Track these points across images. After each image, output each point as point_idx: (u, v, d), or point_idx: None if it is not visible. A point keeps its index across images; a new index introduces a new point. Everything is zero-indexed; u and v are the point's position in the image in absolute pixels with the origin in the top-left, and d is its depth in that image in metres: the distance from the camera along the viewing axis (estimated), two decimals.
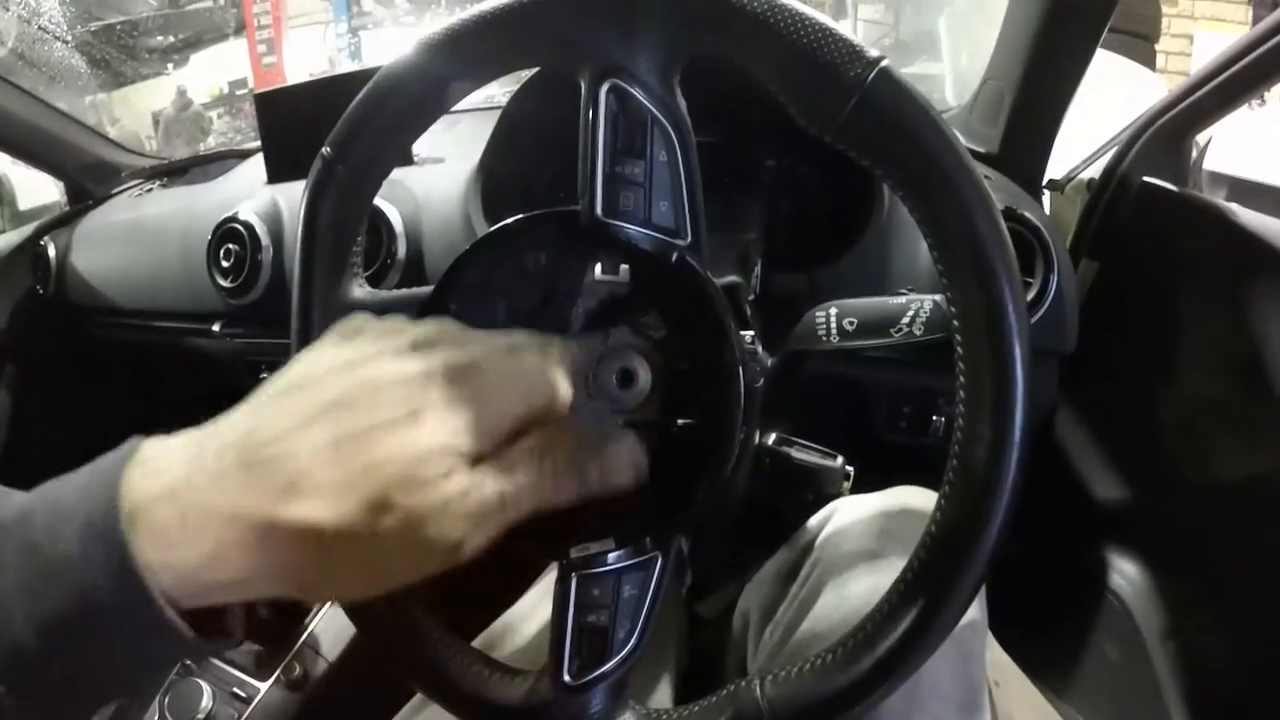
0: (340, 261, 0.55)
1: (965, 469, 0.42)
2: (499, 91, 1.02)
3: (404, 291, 0.55)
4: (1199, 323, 0.91)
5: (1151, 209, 0.95)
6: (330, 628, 0.91)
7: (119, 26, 6.26)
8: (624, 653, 0.48)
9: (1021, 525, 1.13)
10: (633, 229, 0.47)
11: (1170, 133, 0.95)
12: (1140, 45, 4.00)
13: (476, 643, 0.73)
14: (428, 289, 0.52)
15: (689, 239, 0.48)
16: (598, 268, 0.49)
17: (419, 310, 0.52)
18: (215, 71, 7.90)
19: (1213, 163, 1.02)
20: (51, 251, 1.61)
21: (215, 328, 1.26)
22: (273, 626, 0.92)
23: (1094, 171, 1.05)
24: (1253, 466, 0.84)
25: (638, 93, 0.46)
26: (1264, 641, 0.81)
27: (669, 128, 0.47)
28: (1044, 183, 1.09)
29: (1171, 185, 0.95)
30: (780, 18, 0.43)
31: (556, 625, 0.48)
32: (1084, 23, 0.88)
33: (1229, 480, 0.87)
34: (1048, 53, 0.92)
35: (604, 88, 0.46)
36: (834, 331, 0.61)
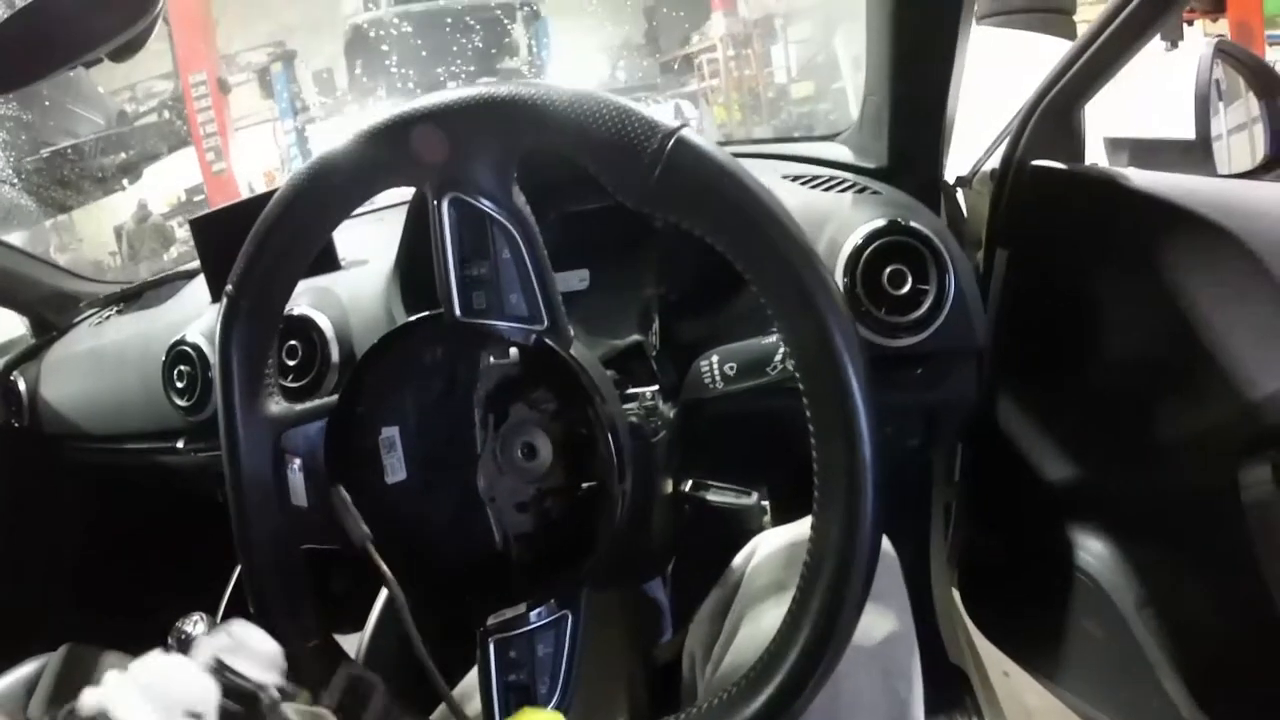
0: (255, 383, 0.59)
1: (826, 498, 0.46)
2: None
3: (315, 404, 0.59)
4: (1114, 293, 0.91)
5: (1045, 191, 0.96)
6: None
7: (68, 151, 6.32)
8: (549, 707, 0.52)
9: (987, 518, 1.14)
10: (491, 323, 0.52)
11: (1058, 109, 0.95)
12: (1060, 20, 4.05)
13: (435, 716, 0.76)
14: (333, 400, 0.56)
15: (545, 322, 0.52)
16: (490, 354, 0.54)
17: (331, 418, 0.56)
18: (171, 181, 7.98)
19: (1113, 128, 1.03)
20: (21, 385, 1.64)
21: (179, 444, 1.29)
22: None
23: (997, 161, 1.04)
24: (1190, 422, 0.84)
25: (476, 201, 0.51)
26: (1234, 591, 0.81)
27: (509, 226, 0.52)
28: (955, 180, 1.10)
29: (1060, 164, 0.95)
30: (581, 109, 0.48)
31: (483, 687, 0.52)
32: (938, 21, 0.89)
33: (1172, 442, 0.86)
34: (909, 58, 0.94)
35: (445, 201, 0.51)
36: (718, 378, 0.66)
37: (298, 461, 0.59)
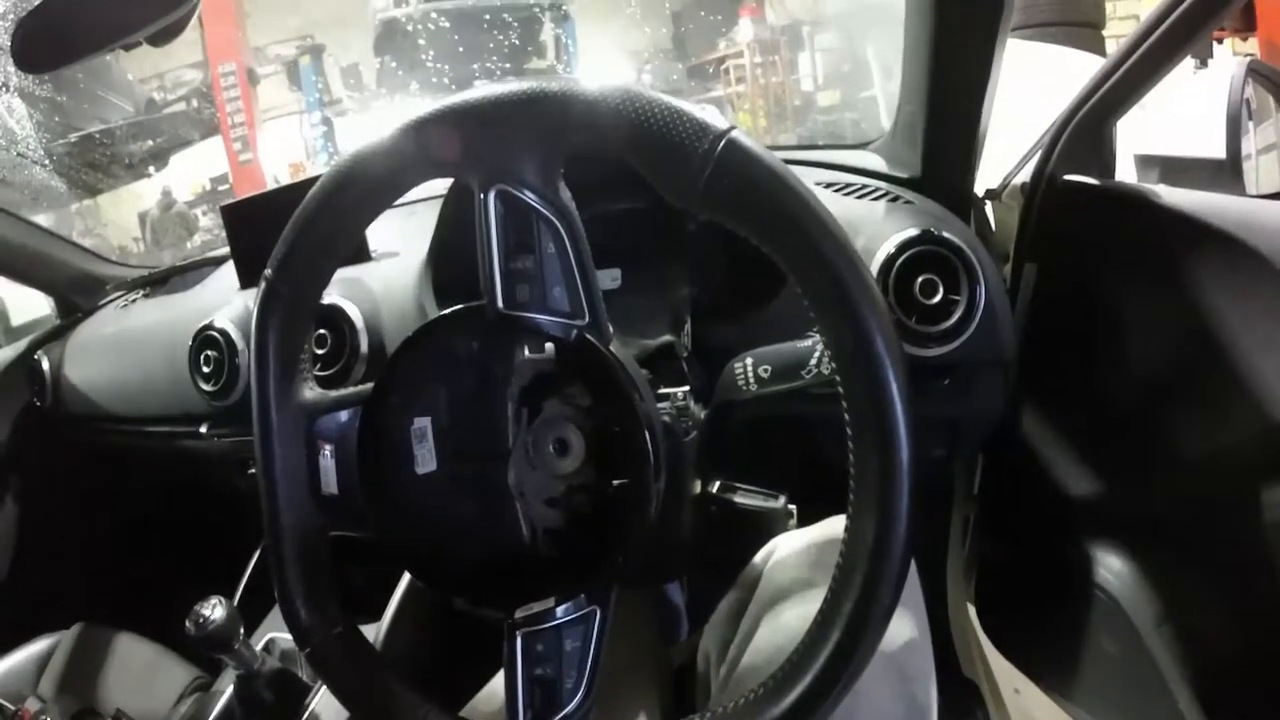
0: (290, 369, 0.59)
1: (860, 500, 0.46)
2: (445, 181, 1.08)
3: (349, 391, 0.59)
4: (1141, 309, 0.91)
5: (1075, 206, 0.96)
6: (330, 706, 0.94)
7: (98, 135, 6.38)
8: (574, 702, 0.52)
9: (1004, 532, 1.13)
10: (533, 316, 0.52)
11: (1090, 124, 0.95)
12: (1088, 34, 4.03)
13: (467, 709, 0.76)
14: (368, 387, 0.57)
15: (586, 318, 0.53)
16: (525, 348, 0.54)
17: (365, 407, 0.56)
18: (197, 169, 8.05)
19: (1144, 146, 1.03)
20: (46, 365, 1.65)
21: (203, 429, 1.31)
22: (275, 708, 0.95)
23: (1028, 174, 1.04)
24: (1214, 444, 0.84)
25: (523, 194, 0.52)
26: (1253, 612, 0.81)
27: (555, 221, 0.52)
28: (984, 192, 1.09)
29: (1092, 179, 0.95)
30: (633, 108, 0.48)
31: (508, 680, 0.53)
32: (975, 34, 0.89)
33: (1194, 459, 0.86)
34: (946, 69, 0.93)
35: (491, 194, 0.52)
36: (751, 381, 0.66)
37: (329, 448, 0.59)
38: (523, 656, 0.53)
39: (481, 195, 0.53)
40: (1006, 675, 1.22)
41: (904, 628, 0.67)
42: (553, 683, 0.52)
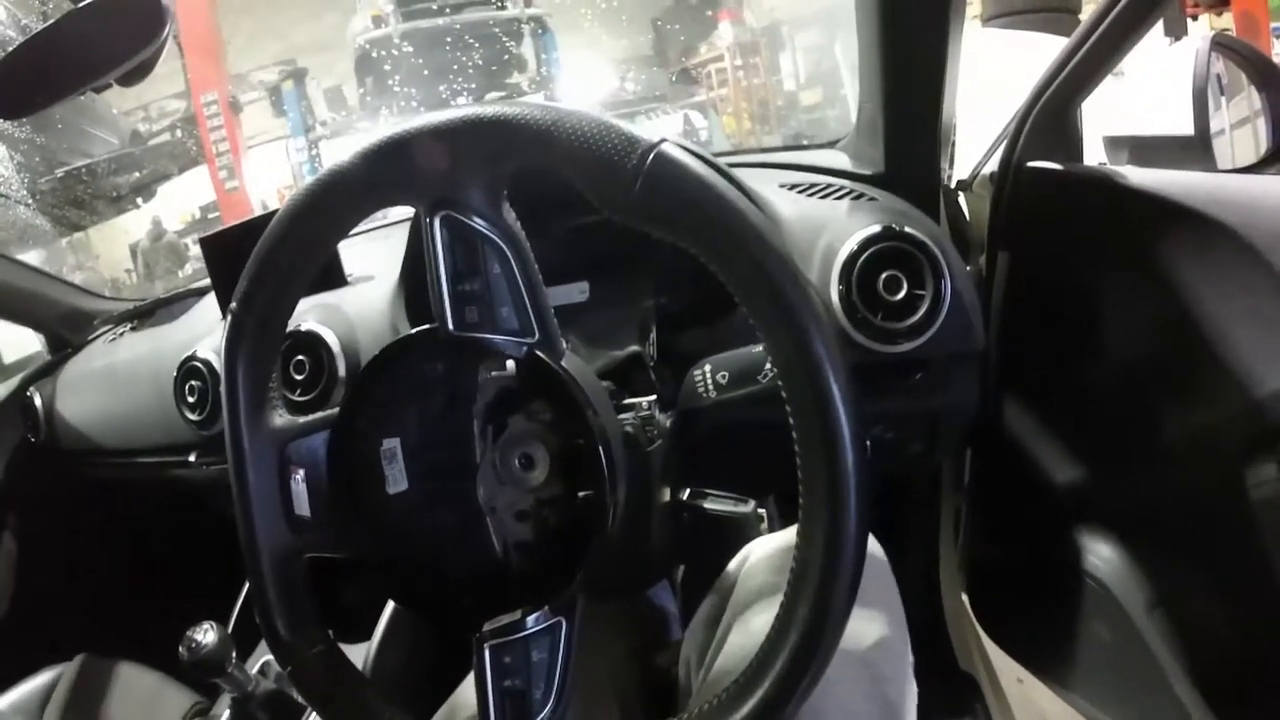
0: (259, 397, 0.60)
1: (810, 507, 0.47)
2: None
3: (317, 415, 0.60)
4: (1115, 292, 0.91)
5: (1042, 192, 0.96)
6: None
7: (82, 171, 6.41)
8: (544, 712, 0.53)
9: (995, 524, 1.13)
10: (484, 336, 0.53)
11: (1054, 109, 0.95)
12: (1066, 20, 4.03)
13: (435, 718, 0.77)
14: (334, 412, 0.58)
15: (536, 335, 0.54)
16: (489, 366, 0.55)
17: (334, 429, 0.57)
18: (186, 199, 8.07)
19: (1112, 127, 1.03)
20: (38, 401, 1.67)
21: (191, 458, 1.32)
22: None
23: (997, 163, 1.03)
24: (1195, 425, 0.84)
25: (467, 218, 0.53)
26: (1244, 591, 0.81)
27: (500, 243, 0.53)
28: (955, 183, 1.10)
29: (1058, 164, 0.94)
30: (565, 127, 0.50)
31: (479, 692, 0.54)
32: (927, 25, 0.89)
33: (1177, 441, 0.86)
34: (899, 65, 0.94)
35: (437, 219, 0.53)
36: (710, 387, 0.67)
37: (301, 472, 0.60)
38: (491, 669, 0.54)
39: (428, 220, 0.54)
40: (1009, 666, 1.22)
41: (875, 626, 0.68)
42: (522, 694, 0.53)
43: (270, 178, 7.81)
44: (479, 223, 0.53)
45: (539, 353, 0.54)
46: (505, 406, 0.56)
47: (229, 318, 0.60)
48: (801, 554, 0.47)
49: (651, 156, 0.48)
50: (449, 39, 7.46)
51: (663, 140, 0.48)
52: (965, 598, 1.29)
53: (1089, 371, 0.96)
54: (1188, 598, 0.87)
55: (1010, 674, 1.27)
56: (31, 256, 1.76)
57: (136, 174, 7.11)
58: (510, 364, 0.55)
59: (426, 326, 0.56)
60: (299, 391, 1.04)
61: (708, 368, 0.69)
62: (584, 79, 9.05)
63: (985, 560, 1.24)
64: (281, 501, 0.60)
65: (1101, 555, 0.95)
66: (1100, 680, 1.01)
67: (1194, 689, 0.84)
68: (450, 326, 0.54)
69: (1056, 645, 1.05)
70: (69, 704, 1.25)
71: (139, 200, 7.36)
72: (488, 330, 0.54)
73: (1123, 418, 0.92)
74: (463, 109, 0.52)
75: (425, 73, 7.41)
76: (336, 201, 0.57)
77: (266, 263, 0.59)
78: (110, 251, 8.03)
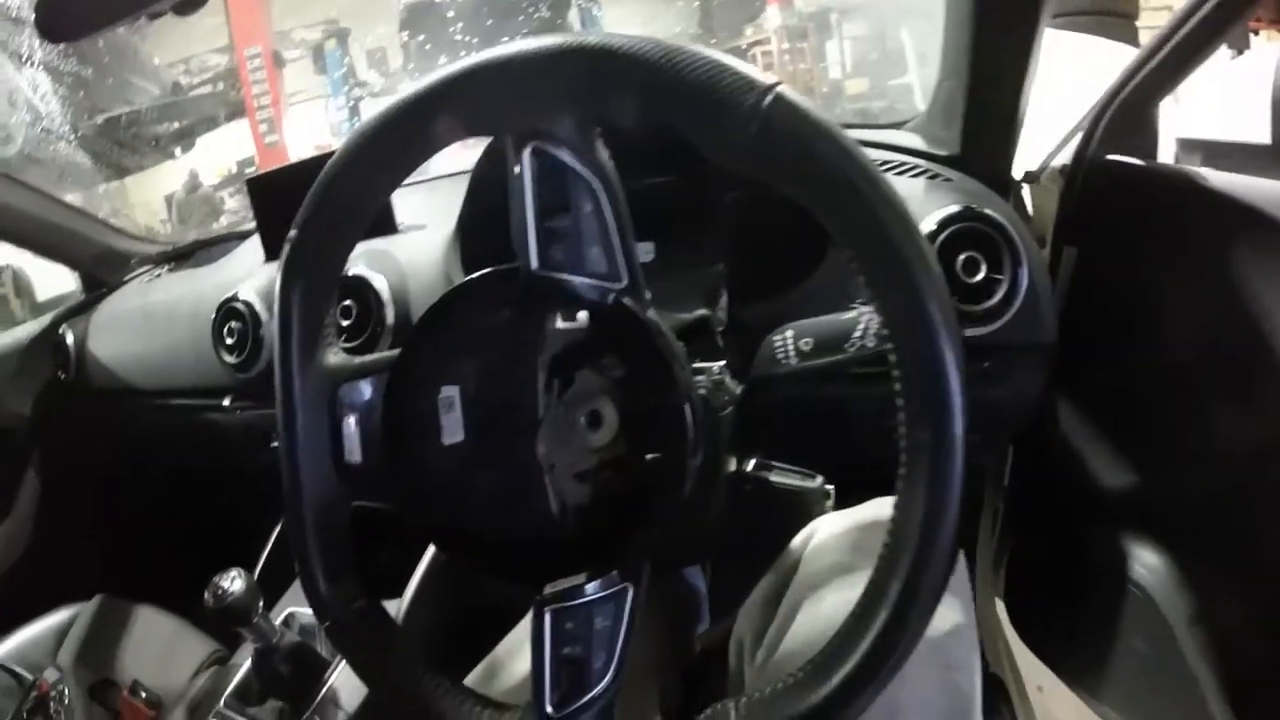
0: (314, 333, 0.58)
1: (911, 478, 0.44)
2: (472, 156, 1.06)
3: (374, 356, 0.58)
4: (1183, 295, 0.89)
5: (1117, 188, 0.94)
6: (349, 682, 0.94)
7: (123, 118, 6.44)
8: (604, 682, 0.50)
9: (1034, 524, 1.11)
10: (568, 278, 0.50)
11: (1133, 105, 0.93)
12: (1121, 24, 3.96)
13: (469, 679, 0.75)
14: (395, 353, 0.55)
15: (624, 281, 0.50)
16: (557, 317, 0.52)
17: (391, 374, 0.55)
18: (223, 153, 8.11)
19: (1186, 129, 1.01)
20: (70, 339, 1.67)
21: (225, 402, 1.32)
22: (293, 683, 0.95)
23: (1067, 157, 1.02)
24: (1256, 436, 0.81)
25: (558, 151, 0.49)
26: None
27: (591, 179, 0.50)
28: (1022, 175, 1.07)
29: (1135, 160, 0.93)
30: (674, 61, 0.46)
31: (535, 659, 0.51)
32: (1016, 8, 0.87)
33: (1235, 454, 0.84)
34: (987, 45, 0.92)
35: (526, 151, 0.50)
36: (792, 354, 0.64)
37: (353, 417, 0.57)
38: (551, 635, 0.51)
39: (515, 153, 0.50)
40: (1030, 672, 1.20)
41: (949, 614, 0.65)
42: (582, 662, 0.51)
43: (309, 136, 7.84)
44: (570, 157, 0.50)
45: (626, 300, 0.51)
46: (573, 360, 0.53)
47: (287, 247, 0.58)
48: (898, 527, 0.45)
49: (770, 98, 0.44)
50: (495, 8, 7.44)
51: (779, 83, 0.45)
52: (999, 599, 1.26)
53: (1149, 373, 0.94)
54: (1233, 615, 0.84)
55: (1031, 681, 1.24)
56: (69, 200, 1.78)
57: (176, 124, 7.14)
58: (582, 315, 0.52)
59: (504, 266, 0.53)
60: (344, 338, 1.03)
61: (790, 333, 0.66)
62: None
63: (1022, 561, 1.22)
64: (331, 446, 0.58)
65: (1147, 563, 0.93)
66: (1132, 692, 0.98)
67: (1229, 709, 0.82)
68: (534, 264, 0.51)
69: (1090, 652, 1.02)
70: (85, 642, 1.26)
71: (177, 150, 7.40)
72: (573, 271, 0.51)
73: (1181, 423, 0.90)
74: (562, 36, 0.49)
75: (465, 35, 7.41)
76: (415, 127, 0.54)
77: (329, 192, 0.56)
78: (145, 202, 8.08)
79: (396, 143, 0.55)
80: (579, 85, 0.49)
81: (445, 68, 0.52)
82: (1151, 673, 0.93)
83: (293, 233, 0.57)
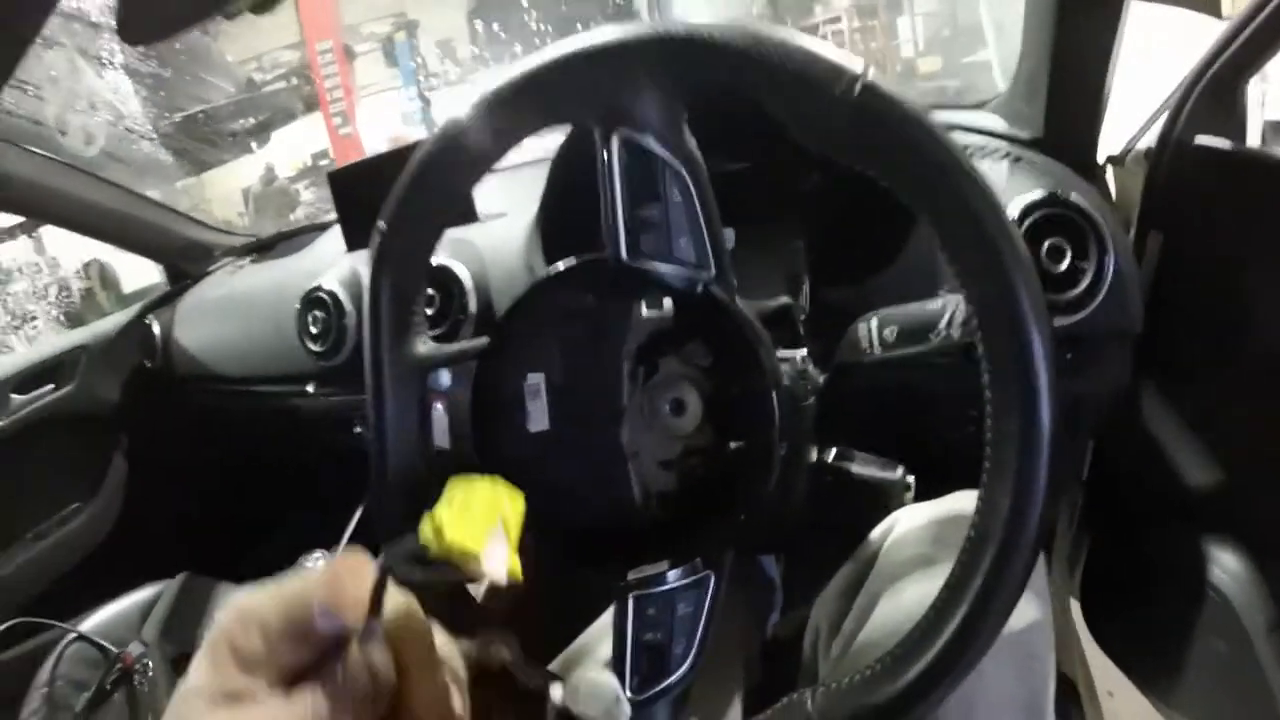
0: (404, 323, 0.59)
1: (996, 469, 0.43)
2: (551, 144, 1.08)
3: (462, 345, 0.59)
4: (1275, 285, 0.86)
5: (1205, 172, 0.91)
6: None
7: (200, 115, 6.64)
8: (683, 669, 0.51)
9: (1113, 521, 1.09)
10: (657, 266, 0.51)
11: (1219, 86, 0.90)
12: None
13: (554, 665, 0.76)
14: (484, 340, 0.56)
15: (713, 270, 0.51)
16: (643, 305, 0.52)
17: (480, 361, 0.56)
18: (297, 147, 8.30)
19: (1275, 110, 0.97)
20: (156, 328, 1.74)
21: (309, 388, 1.36)
22: None
23: (1152, 139, 0.99)
24: None
25: (646, 139, 0.50)
26: None
27: (680, 168, 0.50)
28: (1105, 158, 1.05)
29: (1224, 143, 0.90)
30: (765, 48, 0.46)
31: (617, 644, 0.52)
32: None
33: None
34: (1070, 23, 0.90)
35: (614, 138, 0.50)
36: (876, 343, 0.63)
37: (441, 403, 0.59)
38: (634, 620, 0.52)
39: (603, 142, 0.51)
40: (1100, 677, 1.20)
41: (1028, 607, 0.64)
42: (662, 648, 0.51)
43: (381, 127, 7.99)
44: (658, 145, 0.50)
45: (714, 289, 0.51)
46: (658, 348, 0.54)
47: (375, 237, 0.59)
48: (982, 518, 0.44)
49: (860, 85, 0.44)
50: None
51: (869, 68, 0.45)
52: (1073, 598, 1.25)
53: (1239, 368, 0.92)
54: None
55: (1101, 685, 1.24)
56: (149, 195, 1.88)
57: (251, 119, 7.34)
58: (667, 303, 0.53)
59: (592, 255, 0.54)
60: (427, 325, 1.05)
61: (874, 321, 0.66)
62: None
63: (1099, 559, 1.20)
64: (420, 431, 0.59)
65: (1228, 567, 0.91)
66: (1205, 699, 0.96)
67: None
68: (623, 254, 0.51)
69: (1165, 656, 1.00)
70: (168, 618, 1.29)
71: (253, 145, 7.60)
72: (663, 260, 0.51)
73: (1270, 420, 0.87)
74: (649, 24, 0.49)
75: (538, 25, 7.47)
76: (498, 120, 0.55)
77: (418, 182, 0.57)
78: (222, 196, 8.31)
79: (483, 134, 0.55)
80: (667, 72, 0.49)
81: (530, 57, 0.53)
82: (1226, 680, 0.91)
83: (381, 225, 0.58)
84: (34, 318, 8.08)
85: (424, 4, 8.45)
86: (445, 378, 0.59)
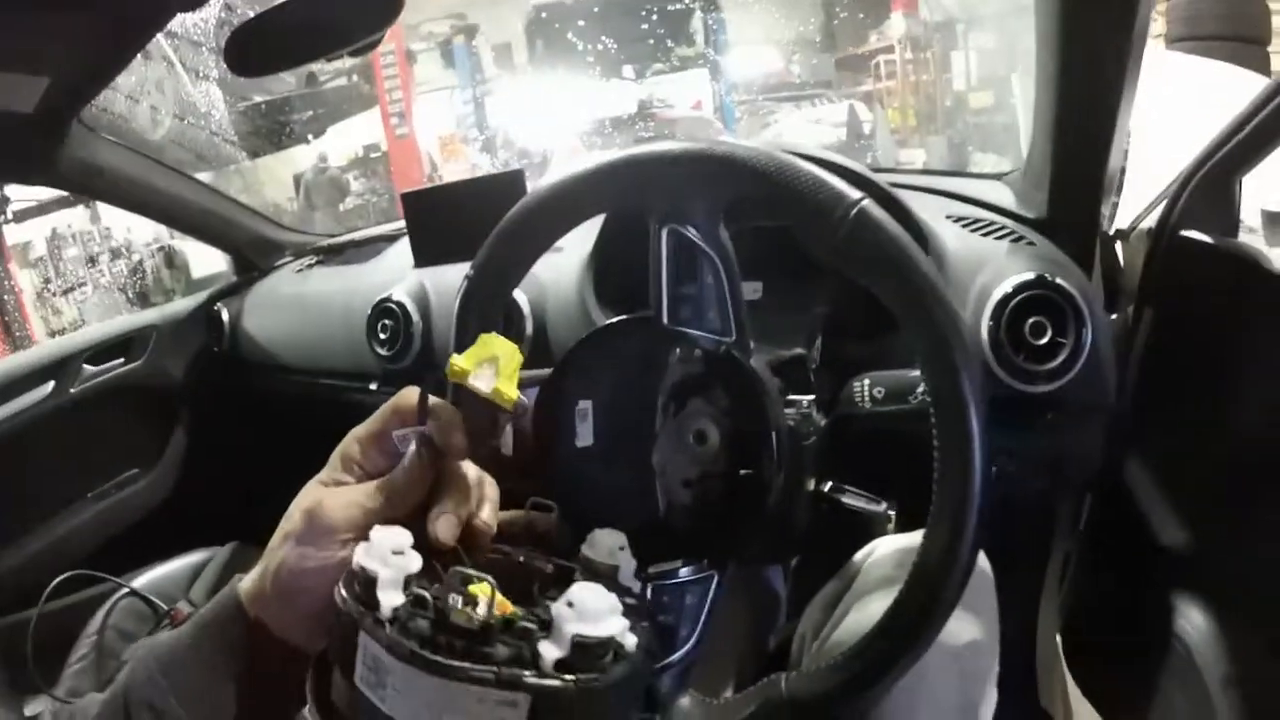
0: None
1: (937, 517, 0.55)
2: None
3: (530, 372, 0.71)
4: (1255, 369, 0.91)
5: (1193, 261, 0.97)
6: None
7: (263, 106, 6.82)
8: (686, 647, 0.62)
9: (1102, 572, 1.15)
10: (690, 331, 0.64)
11: (1215, 178, 0.96)
12: (1251, 50, 3.82)
13: None
14: (547, 371, 0.68)
15: (733, 337, 0.64)
16: (678, 353, 0.65)
17: (543, 386, 0.68)
18: (350, 138, 8.44)
19: (1271, 201, 1.02)
20: (225, 315, 1.88)
21: (373, 386, 1.49)
22: None
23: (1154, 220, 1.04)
24: None
25: (689, 233, 0.63)
26: None
27: (714, 257, 0.63)
28: (1114, 231, 1.12)
29: (1211, 238, 0.96)
30: (785, 174, 0.59)
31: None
32: (1100, 81, 0.92)
33: None
34: (1070, 117, 0.97)
35: (665, 230, 0.64)
36: (866, 399, 0.75)
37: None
38: (651, 604, 0.63)
39: (656, 231, 0.64)
40: (1086, 716, 1.24)
41: (971, 629, 0.76)
42: (672, 629, 0.62)
43: (433, 126, 8.13)
44: (698, 237, 0.63)
45: (734, 351, 0.63)
46: (688, 388, 0.65)
47: (464, 283, 0.71)
48: (924, 551, 0.55)
49: (855, 212, 0.57)
50: (621, 10, 7.58)
51: (864, 198, 0.57)
52: (1059, 639, 1.31)
53: (1215, 438, 0.98)
54: (1265, 680, 0.88)
55: None
56: (203, 178, 1.95)
57: (310, 113, 7.51)
58: (697, 354, 0.64)
59: (641, 314, 0.66)
60: None
61: (866, 381, 0.77)
62: (749, 59, 9.07)
63: (1085, 606, 1.26)
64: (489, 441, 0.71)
65: (1193, 621, 0.97)
66: None
67: None
68: (665, 320, 0.64)
69: (1135, 702, 1.06)
70: (217, 581, 1.40)
71: (310, 136, 7.77)
72: (695, 327, 0.64)
73: (1245, 492, 0.94)
74: (699, 143, 0.62)
75: (595, 39, 7.57)
76: (573, 202, 0.68)
77: (502, 242, 0.70)
78: (273, 181, 8.47)
79: (561, 209, 0.69)
80: (709, 182, 0.62)
81: (601, 155, 0.66)
82: None
83: (470, 273, 0.71)
84: (84, 284, 8.30)
85: (484, 8, 8.57)
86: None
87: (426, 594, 0.42)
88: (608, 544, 0.52)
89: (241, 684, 0.51)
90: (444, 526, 0.49)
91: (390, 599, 0.42)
